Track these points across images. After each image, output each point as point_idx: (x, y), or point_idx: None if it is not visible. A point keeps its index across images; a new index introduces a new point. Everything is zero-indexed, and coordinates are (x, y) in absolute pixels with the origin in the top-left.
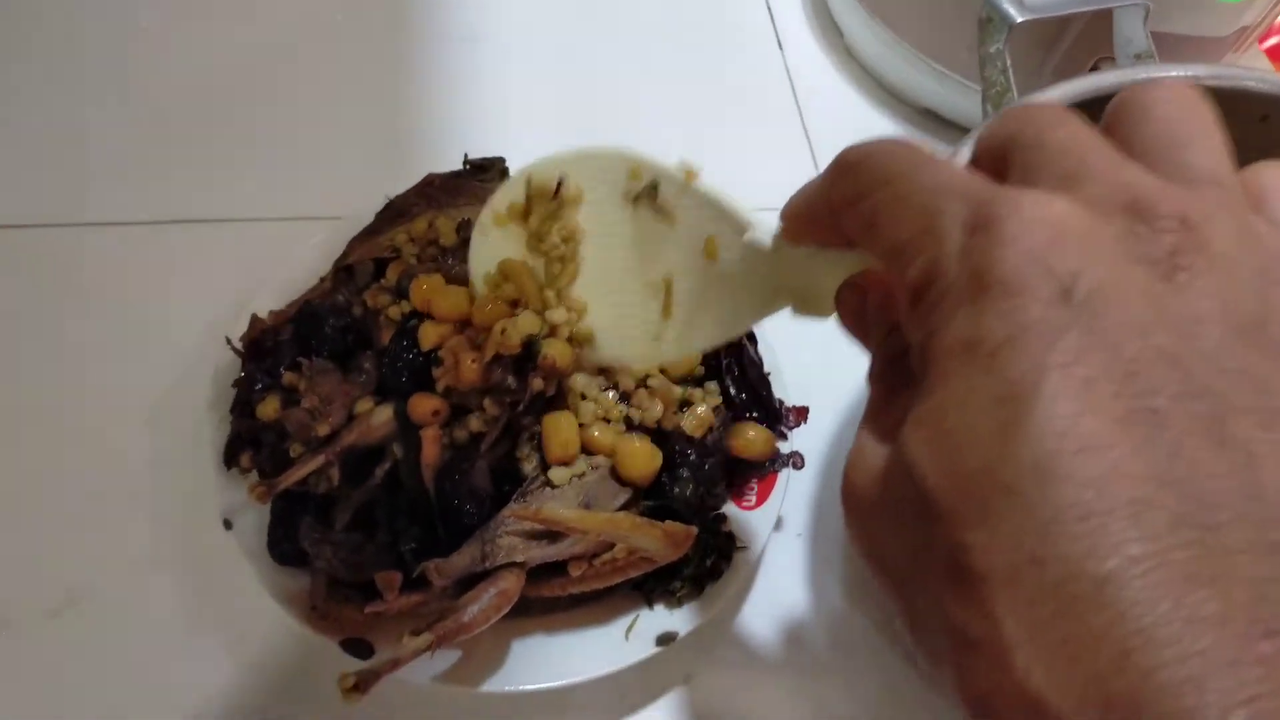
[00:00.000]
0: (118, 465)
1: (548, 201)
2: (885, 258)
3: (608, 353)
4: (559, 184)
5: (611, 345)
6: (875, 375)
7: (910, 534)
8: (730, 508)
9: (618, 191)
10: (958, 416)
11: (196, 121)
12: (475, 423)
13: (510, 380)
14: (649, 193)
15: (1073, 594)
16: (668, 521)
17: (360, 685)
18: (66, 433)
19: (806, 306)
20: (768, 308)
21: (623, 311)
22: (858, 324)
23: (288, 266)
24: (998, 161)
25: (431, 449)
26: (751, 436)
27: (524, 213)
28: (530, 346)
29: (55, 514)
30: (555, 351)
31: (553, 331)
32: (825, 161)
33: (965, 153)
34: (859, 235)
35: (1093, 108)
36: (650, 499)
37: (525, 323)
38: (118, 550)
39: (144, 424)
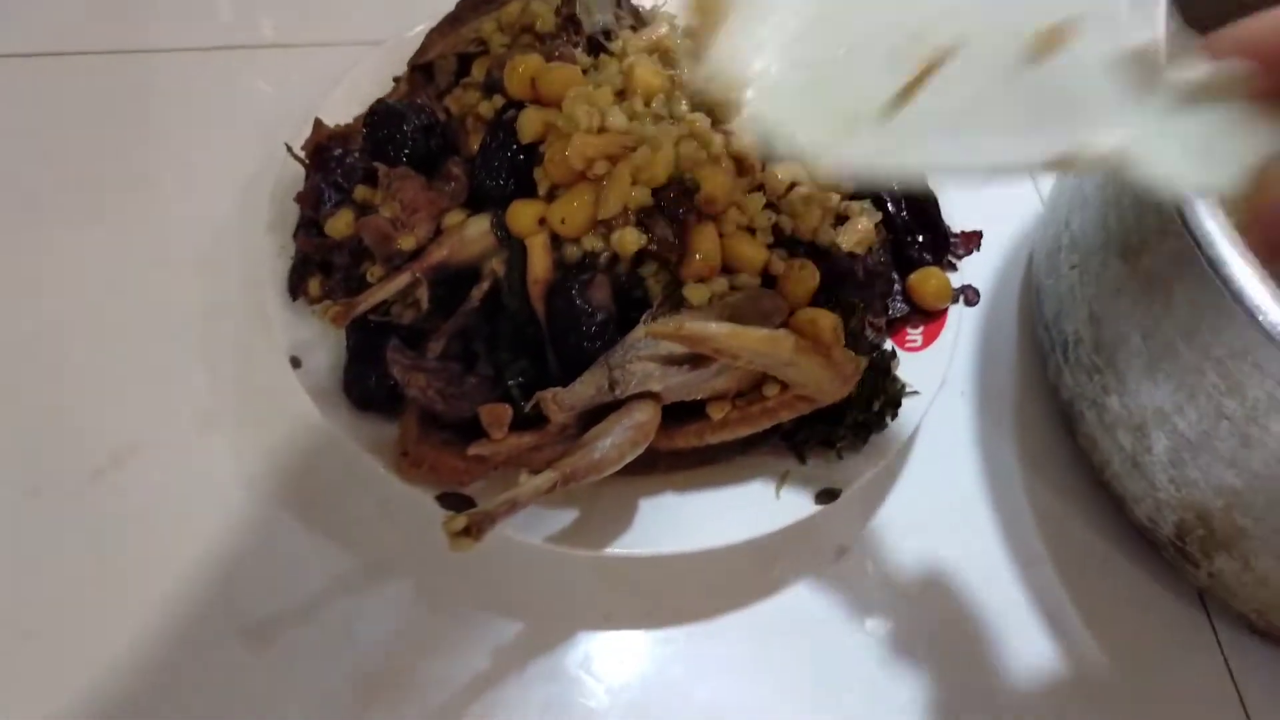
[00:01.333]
0: (167, 308)
1: None
2: None
3: (773, 125)
4: None
5: (786, 114)
6: None
7: None
8: (892, 349)
9: None
10: None
11: None
12: (590, 240)
13: (659, 228)
14: None
15: None
16: (836, 347)
17: (472, 529)
18: (113, 273)
19: (1178, 172)
20: (1097, 156)
21: (831, 74)
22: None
23: (358, 78)
24: None
25: (541, 260)
26: (935, 286)
27: None
28: (680, 184)
29: (96, 366)
30: (718, 183)
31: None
32: None
33: None
34: None
35: None
36: None
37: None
38: (165, 410)
39: (198, 261)
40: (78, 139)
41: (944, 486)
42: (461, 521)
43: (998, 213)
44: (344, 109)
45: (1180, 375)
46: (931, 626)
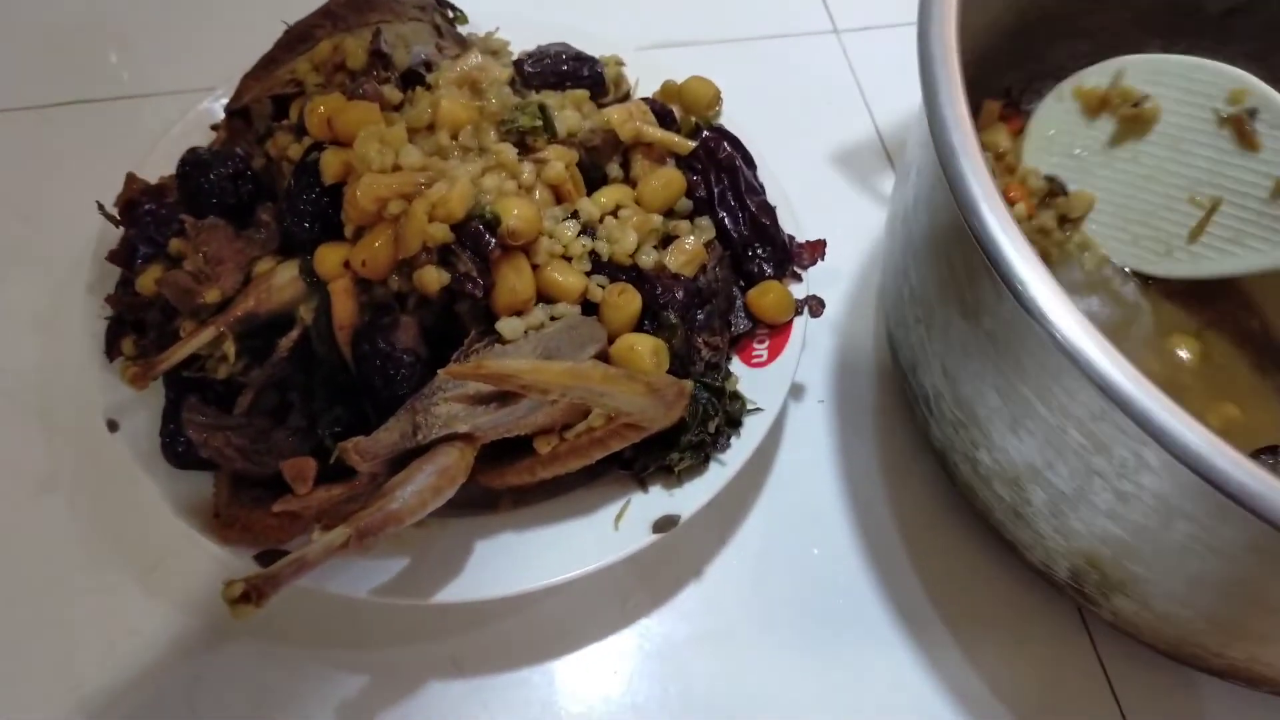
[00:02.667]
0: (2, 379)
1: (1125, 106)
2: None
3: (1107, 247)
4: (1140, 99)
5: (1113, 239)
6: None
7: None
8: (737, 366)
9: (1207, 108)
10: None
11: None
12: (397, 281)
13: (462, 264)
14: (1244, 116)
15: None
16: (654, 373)
17: (252, 594)
18: None
19: None
20: None
21: (1144, 211)
22: None
23: (182, 130)
24: None
25: (344, 305)
26: (774, 299)
27: (1099, 104)
28: (480, 218)
29: None
30: (519, 214)
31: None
32: None
33: None
34: None
35: None
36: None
37: (461, 191)
38: (5, 473)
39: (32, 326)
40: None
41: (806, 499)
42: (239, 588)
43: (848, 220)
44: (172, 163)
45: (1044, 433)
46: (796, 650)
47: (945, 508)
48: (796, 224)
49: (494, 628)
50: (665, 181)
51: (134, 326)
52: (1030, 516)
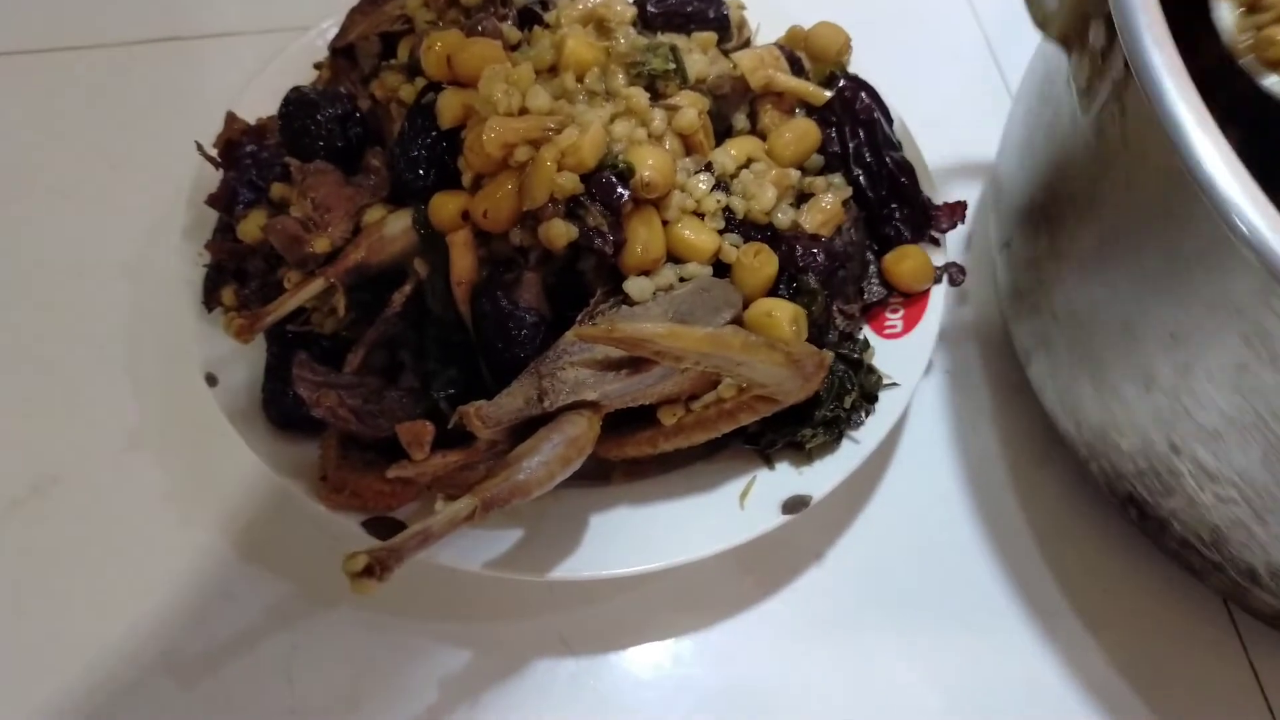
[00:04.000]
0: (88, 329)
1: None
2: None
3: None
4: None
5: None
6: None
7: None
8: (869, 335)
9: None
10: None
11: None
12: (519, 234)
13: (591, 217)
14: None
15: None
16: (795, 342)
17: (374, 569)
18: (30, 283)
19: None
20: None
21: None
22: None
23: (279, 67)
24: None
25: (463, 259)
26: (912, 266)
27: None
28: (612, 168)
29: (13, 393)
30: (654, 165)
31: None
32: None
33: None
34: None
35: None
36: None
37: (594, 138)
38: (89, 431)
39: (120, 273)
40: None
41: (931, 481)
42: (362, 560)
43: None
44: (269, 102)
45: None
46: (921, 633)
47: (1073, 487)
48: (931, 183)
49: (604, 605)
50: (800, 134)
51: (235, 275)
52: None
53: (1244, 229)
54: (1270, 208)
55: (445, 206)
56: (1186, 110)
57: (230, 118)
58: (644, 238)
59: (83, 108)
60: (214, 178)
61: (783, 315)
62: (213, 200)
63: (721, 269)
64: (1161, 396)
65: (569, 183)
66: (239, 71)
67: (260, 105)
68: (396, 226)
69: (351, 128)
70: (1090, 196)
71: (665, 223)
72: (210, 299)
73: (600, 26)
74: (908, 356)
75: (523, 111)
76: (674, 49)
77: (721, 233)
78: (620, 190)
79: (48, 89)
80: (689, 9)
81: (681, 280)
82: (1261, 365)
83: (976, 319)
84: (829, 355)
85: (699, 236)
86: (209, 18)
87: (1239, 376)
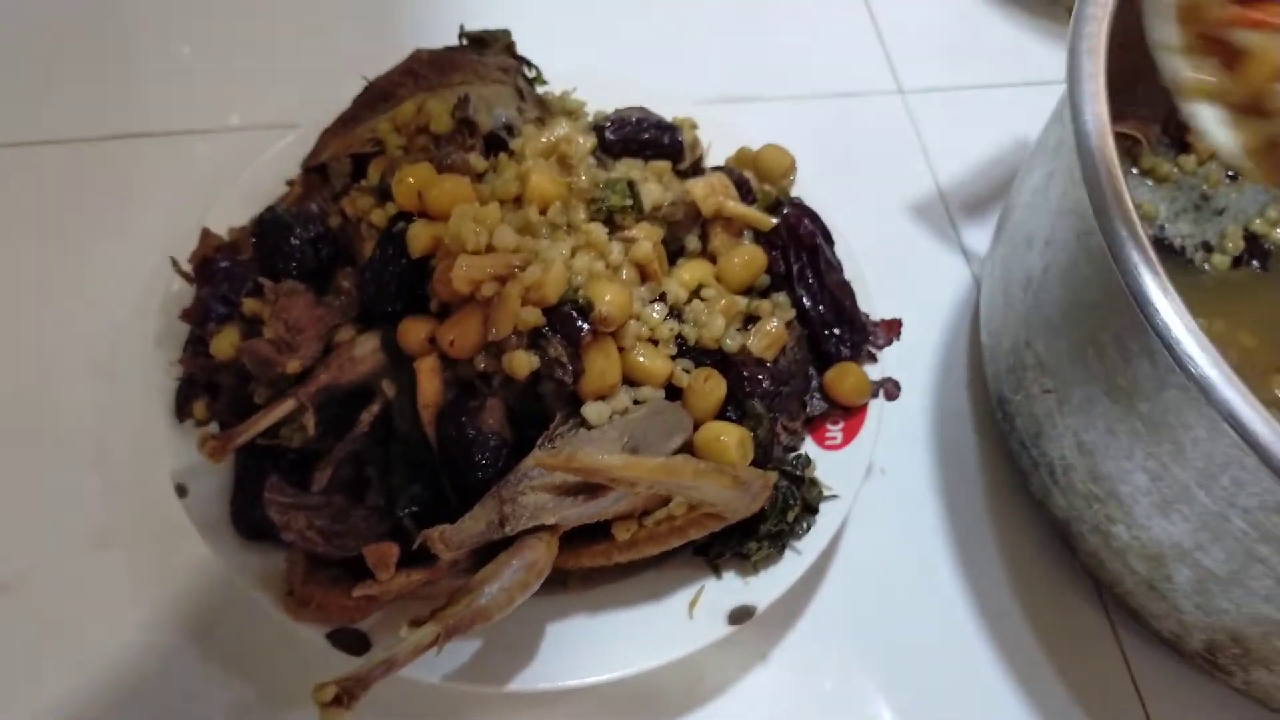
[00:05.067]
0: (57, 424)
1: None
2: None
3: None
4: None
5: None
6: None
7: None
8: (810, 447)
9: None
10: None
11: (149, 23)
12: (483, 361)
13: (553, 348)
14: None
15: None
16: (740, 466)
17: (343, 698)
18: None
19: None
20: None
21: None
22: None
23: (251, 176)
24: None
25: (430, 384)
26: (853, 383)
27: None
28: (573, 303)
29: None
30: (612, 300)
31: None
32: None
33: None
34: None
35: None
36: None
37: (556, 275)
38: (58, 528)
39: (89, 371)
40: None
41: (871, 576)
42: (331, 691)
43: (929, 292)
44: (241, 209)
45: (1201, 518)
46: None
47: (1057, 570)
48: (869, 299)
49: (561, 708)
50: (747, 260)
51: (206, 388)
52: (1168, 592)
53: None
54: None
55: (414, 332)
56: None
57: (205, 234)
58: (601, 367)
59: (54, 201)
60: (179, 282)
61: (730, 440)
62: (186, 315)
63: (673, 391)
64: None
65: (532, 316)
66: (206, 167)
67: (230, 210)
68: (365, 347)
69: (323, 249)
70: None
71: (621, 349)
72: (182, 411)
73: (562, 160)
74: (847, 467)
75: (489, 249)
76: (631, 184)
77: (673, 358)
78: (581, 324)
79: (18, 181)
80: (645, 136)
81: (636, 403)
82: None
83: (916, 414)
84: (773, 476)
85: (653, 363)
86: (176, 115)
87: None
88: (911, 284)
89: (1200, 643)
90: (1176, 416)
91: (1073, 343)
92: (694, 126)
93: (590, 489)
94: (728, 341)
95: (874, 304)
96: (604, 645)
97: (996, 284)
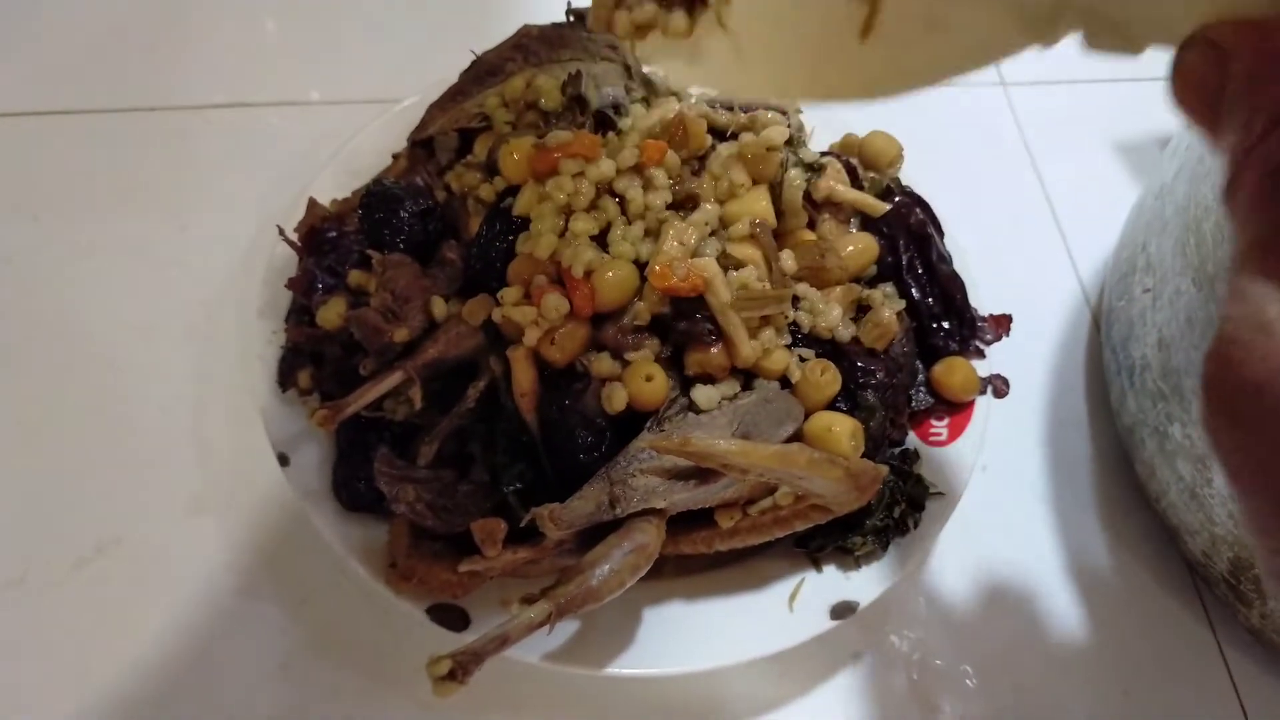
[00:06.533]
0: (155, 390)
1: None
2: None
3: (756, 75)
4: None
5: (763, 65)
6: (1254, 194)
7: None
8: (914, 443)
9: None
10: None
11: None
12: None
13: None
14: None
15: None
16: (853, 458)
17: (457, 672)
18: (97, 349)
19: (1111, 35)
20: (1039, 34)
21: (793, 20)
22: (1204, 101)
23: (356, 148)
24: None
25: (525, 374)
26: (961, 379)
27: None
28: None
29: (80, 452)
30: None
31: None
32: None
33: None
34: None
35: None
36: None
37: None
38: (154, 492)
39: (186, 338)
40: (64, 201)
41: (971, 577)
42: (445, 665)
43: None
44: (343, 181)
45: None
46: None
47: (1167, 577)
48: (977, 295)
49: (649, 699)
50: (861, 248)
51: (311, 359)
52: (1206, 498)
53: None
54: None
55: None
56: None
57: (312, 204)
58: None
59: (158, 168)
60: (287, 254)
61: (843, 431)
62: (292, 284)
63: (783, 380)
64: None
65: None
66: (304, 139)
67: (332, 183)
68: (477, 319)
69: (431, 223)
70: None
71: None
72: (286, 380)
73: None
74: (953, 465)
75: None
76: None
77: (789, 346)
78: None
79: (124, 147)
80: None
81: (747, 389)
82: None
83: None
84: (884, 470)
85: (771, 357)
86: (276, 86)
87: None
88: (1015, 285)
89: (1226, 562)
90: None
91: (1177, 236)
92: (799, 111)
93: (701, 474)
94: (840, 330)
95: (980, 297)
96: (704, 633)
97: (1142, 198)
